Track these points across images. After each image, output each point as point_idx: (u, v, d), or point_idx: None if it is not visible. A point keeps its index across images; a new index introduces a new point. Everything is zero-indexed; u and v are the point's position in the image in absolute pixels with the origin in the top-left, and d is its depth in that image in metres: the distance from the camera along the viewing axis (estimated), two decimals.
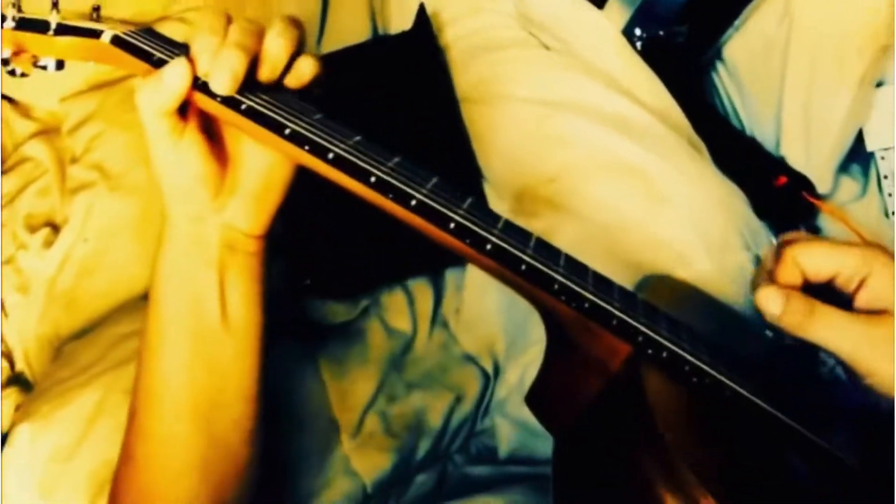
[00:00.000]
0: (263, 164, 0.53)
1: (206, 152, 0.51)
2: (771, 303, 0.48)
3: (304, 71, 0.51)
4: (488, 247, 0.49)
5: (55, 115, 0.90)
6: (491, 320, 0.81)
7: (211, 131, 0.52)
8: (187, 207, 0.53)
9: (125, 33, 0.53)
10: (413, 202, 0.48)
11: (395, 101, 0.83)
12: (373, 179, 0.48)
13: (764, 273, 0.51)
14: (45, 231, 0.83)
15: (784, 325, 0.48)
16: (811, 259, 0.49)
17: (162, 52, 0.52)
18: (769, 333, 0.51)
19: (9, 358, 0.80)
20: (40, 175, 0.85)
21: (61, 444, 0.67)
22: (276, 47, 0.49)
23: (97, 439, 0.67)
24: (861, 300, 0.48)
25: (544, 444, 0.77)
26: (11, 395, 0.76)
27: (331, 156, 0.48)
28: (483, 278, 0.82)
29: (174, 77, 0.47)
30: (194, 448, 0.54)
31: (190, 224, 0.53)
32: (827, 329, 0.47)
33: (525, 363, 0.79)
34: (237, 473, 0.56)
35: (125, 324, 0.75)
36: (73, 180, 0.84)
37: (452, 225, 0.48)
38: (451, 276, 0.84)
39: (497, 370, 0.81)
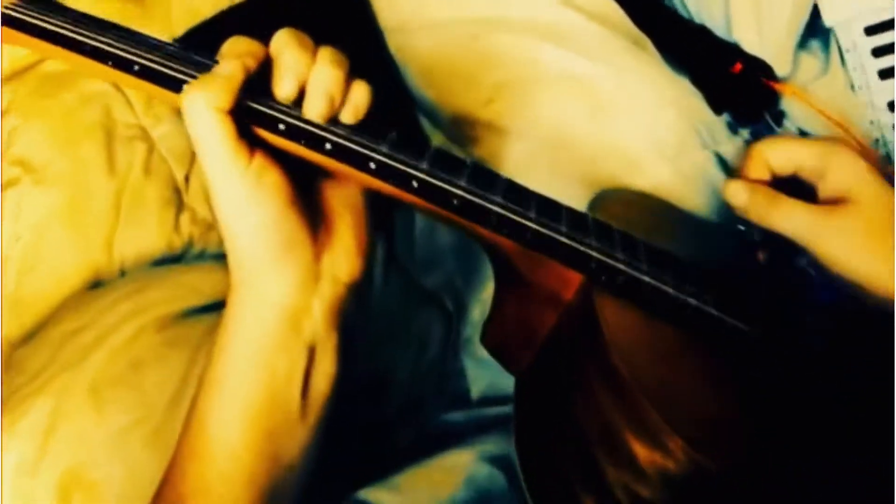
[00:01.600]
0: (349, 194, 0.49)
1: (289, 190, 0.45)
2: (738, 195, 0.53)
3: (361, 103, 0.46)
4: (414, 184, 0.45)
5: None
6: (445, 258, 0.78)
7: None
8: (284, 276, 0.46)
9: (12, 6, 0.49)
10: (327, 146, 0.44)
11: (317, 39, 0.78)
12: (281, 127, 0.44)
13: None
14: None
15: (749, 216, 0.53)
16: (775, 153, 0.54)
17: (61, 26, 0.47)
18: (741, 227, 0.56)
19: None
20: None
21: (24, 459, 0.64)
22: (336, 77, 0.45)
23: (58, 448, 0.64)
24: (824, 191, 0.53)
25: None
26: None
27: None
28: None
29: (229, 65, 0.43)
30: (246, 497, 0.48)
31: (288, 297, 0.46)
32: (789, 218, 0.51)
33: (485, 299, 0.76)
34: None
35: (70, 320, 0.72)
36: None
37: (373, 165, 0.45)
38: (400, 216, 0.80)
39: (459, 309, 0.78)
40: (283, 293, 0.46)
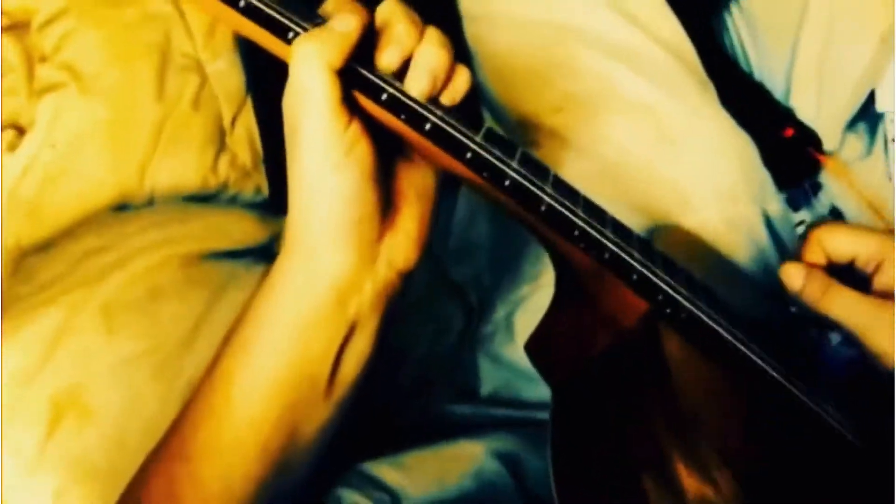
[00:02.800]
0: (422, 182, 0.48)
1: (373, 165, 0.44)
2: (793, 277, 0.53)
3: (461, 88, 0.46)
4: (506, 182, 0.45)
5: (26, 10, 0.82)
6: (478, 254, 0.77)
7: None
8: (347, 249, 0.45)
9: None
10: (427, 126, 0.44)
11: None
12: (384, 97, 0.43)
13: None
14: (10, 133, 0.76)
15: (803, 299, 0.53)
16: (833, 240, 0.54)
17: None
18: (793, 309, 0.56)
19: None
20: (6, 73, 0.77)
21: (21, 366, 0.62)
22: (443, 58, 0.45)
23: (61, 362, 0.62)
24: (878, 283, 0.53)
25: (528, 386, 0.74)
26: None
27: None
28: (473, 208, 0.78)
29: (349, 22, 0.42)
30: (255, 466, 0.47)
31: (345, 272, 0.45)
32: (841, 306, 0.52)
33: (515, 301, 0.76)
34: None
35: (91, 238, 0.70)
36: (42, 80, 0.77)
37: (469, 154, 0.44)
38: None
39: (483, 304, 0.77)
40: (340, 267, 0.45)
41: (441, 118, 0.44)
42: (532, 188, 0.45)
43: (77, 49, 0.77)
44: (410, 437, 0.65)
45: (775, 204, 0.75)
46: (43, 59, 0.78)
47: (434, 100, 0.45)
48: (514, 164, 0.45)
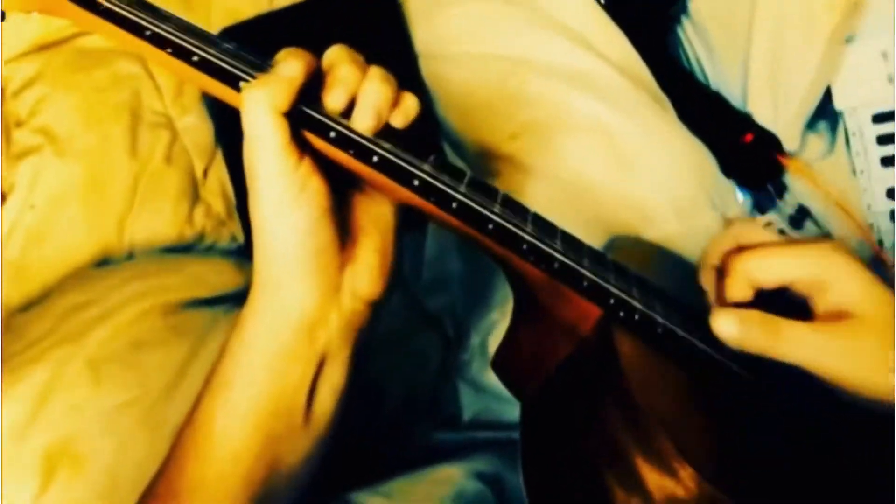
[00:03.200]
0: (379, 213, 0.50)
1: (328, 199, 0.46)
2: (727, 327, 0.47)
3: (411, 109, 0.48)
4: (454, 205, 0.47)
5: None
6: (451, 284, 0.79)
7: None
8: (308, 283, 0.46)
9: None
10: (375, 158, 0.46)
11: None
12: (332, 134, 0.46)
13: (708, 267, 0.52)
14: None
15: (746, 349, 0.47)
16: (761, 272, 0.48)
17: (126, 9, 0.48)
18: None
19: None
20: None
21: (13, 423, 0.64)
22: (386, 93, 0.47)
23: (50, 416, 0.64)
24: (821, 306, 0.48)
25: (508, 408, 0.76)
26: None
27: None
28: (443, 242, 0.80)
29: (293, 68, 0.44)
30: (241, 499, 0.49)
31: (308, 306, 0.47)
32: (791, 346, 0.46)
33: (487, 327, 0.77)
34: None
35: (74, 294, 0.72)
36: (18, 145, 0.80)
37: (416, 182, 0.46)
38: (409, 239, 0.81)
39: (458, 334, 0.79)
40: (304, 300, 0.46)
41: (388, 150, 0.46)
42: (478, 208, 0.47)
43: (51, 113, 0.80)
44: (394, 466, 0.66)
45: (736, 209, 0.77)
46: (19, 125, 0.81)
47: (383, 133, 0.47)
48: (462, 188, 0.47)
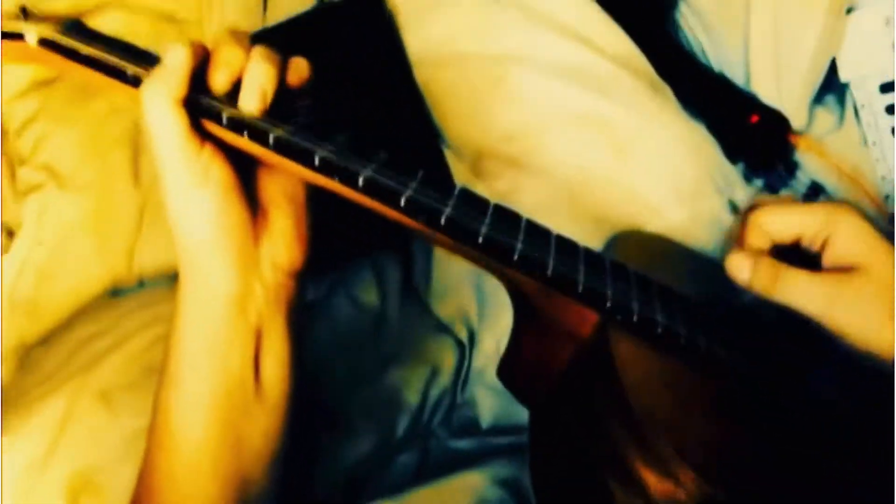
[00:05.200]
0: (290, 185, 0.51)
1: (233, 178, 0.47)
2: (739, 268, 0.51)
3: (302, 67, 0.49)
4: (442, 222, 0.46)
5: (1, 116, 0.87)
6: (462, 288, 0.79)
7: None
8: (227, 260, 0.47)
9: (59, 31, 0.51)
10: (360, 182, 0.46)
11: (345, 69, 0.80)
12: (317, 161, 0.46)
13: (734, 238, 0.53)
14: (1, 237, 0.80)
15: (754, 290, 0.50)
16: (774, 222, 0.51)
17: (93, 49, 0.50)
18: (744, 298, 0.52)
19: None
20: None
21: (33, 456, 0.65)
22: (269, 72, 0.47)
23: (69, 447, 0.65)
24: (828, 259, 0.50)
25: (526, 413, 0.75)
26: None
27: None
28: None
29: (177, 56, 0.45)
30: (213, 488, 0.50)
31: (232, 282, 0.48)
32: (794, 291, 0.49)
33: (500, 331, 0.77)
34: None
35: (87, 326, 0.73)
36: (24, 183, 0.81)
37: (403, 202, 0.46)
38: (418, 245, 0.82)
39: (472, 339, 0.79)
40: (224, 277, 0.47)
41: (287, 131, 0.46)
42: (468, 224, 0.47)
43: (53, 149, 0.81)
44: (414, 475, 0.66)
45: (742, 191, 0.75)
46: (22, 162, 0.82)
47: (286, 113, 0.48)
48: (371, 167, 0.46)
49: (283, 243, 0.50)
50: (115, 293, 0.78)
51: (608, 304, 0.49)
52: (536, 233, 0.50)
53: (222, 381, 0.48)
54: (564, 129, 0.73)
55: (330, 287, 0.79)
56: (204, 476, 0.49)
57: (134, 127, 0.81)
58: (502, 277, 0.50)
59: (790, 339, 0.54)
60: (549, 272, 0.48)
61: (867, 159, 0.86)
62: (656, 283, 0.53)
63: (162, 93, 0.45)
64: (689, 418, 0.46)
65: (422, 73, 0.79)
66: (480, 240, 0.47)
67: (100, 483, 0.64)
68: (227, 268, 0.47)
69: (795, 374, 0.53)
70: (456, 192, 0.48)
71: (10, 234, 0.80)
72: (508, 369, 0.54)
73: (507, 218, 0.49)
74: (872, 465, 0.46)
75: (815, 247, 0.51)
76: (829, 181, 0.86)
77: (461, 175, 0.78)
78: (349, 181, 0.46)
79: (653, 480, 0.42)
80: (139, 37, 0.78)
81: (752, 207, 0.53)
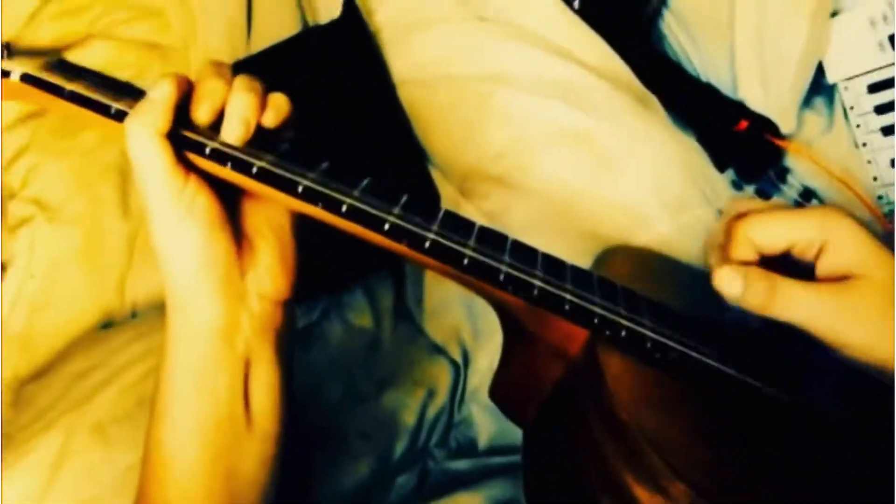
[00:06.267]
0: (275, 215, 0.51)
1: (218, 210, 0.47)
2: (729, 284, 0.47)
3: (282, 105, 0.49)
4: (426, 245, 0.46)
5: None
6: (454, 308, 0.79)
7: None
8: (212, 291, 0.47)
9: (43, 68, 0.51)
10: (343, 208, 0.46)
11: (331, 93, 0.80)
12: (300, 189, 0.45)
13: (716, 247, 0.50)
14: None
15: (746, 306, 0.46)
16: (763, 233, 0.48)
17: (77, 86, 0.50)
18: (733, 315, 0.49)
19: None
20: None
21: (29, 493, 0.65)
22: (251, 102, 0.48)
23: (65, 483, 0.65)
24: (823, 268, 0.47)
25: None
26: None
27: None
28: None
29: (161, 90, 0.45)
30: None
31: (218, 313, 0.47)
32: (794, 306, 0.45)
33: (494, 349, 0.77)
34: None
35: (80, 359, 0.73)
36: (14, 216, 0.81)
37: (387, 226, 0.46)
38: (410, 267, 0.82)
39: (467, 359, 0.79)
40: (211, 311, 0.47)
41: (269, 161, 0.47)
42: (453, 246, 0.47)
43: (42, 181, 0.81)
44: (412, 498, 0.66)
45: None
46: (12, 196, 0.82)
47: (268, 143, 0.48)
48: (355, 193, 0.47)
49: (268, 273, 0.50)
50: (107, 324, 0.78)
51: (596, 321, 0.48)
52: (522, 252, 0.50)
53: (211, 411, 0.48)
54: (551, 147, 0.73)
55: (323, 311, 0.79)
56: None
57: (122, 158, 0.81)
58: (490, 298, 0.50)
59: (782, 349, 0.53)
60: (536, 292, 0.47)
61: (858, 161, 0.86)
62: (645, 298, 0.53)
63: (146, 126, 0.45)
64: (680, 432, 0.46)
65: (406, 94, 0.79)
66: (465, 262, 0.47)
67: None
68: (212, 299, 0.47)
69: (788, 386, 0.52)
70: (440, 215, 0.48)
71: (3, 267, 0.80)
72: (500, 389, 0.54)
73: (492, 239, 0.49)
74: (870, 477, 0.45)
75: (809, 256, 0.47)
76: (820, 185, 0.86)
77: (449, 195, 0.77)
78: (332, 208, 0.46)
79: (644, 496, 0.42)
80: (125, 66, 0.79)
81: (737, 216, 0.49)
